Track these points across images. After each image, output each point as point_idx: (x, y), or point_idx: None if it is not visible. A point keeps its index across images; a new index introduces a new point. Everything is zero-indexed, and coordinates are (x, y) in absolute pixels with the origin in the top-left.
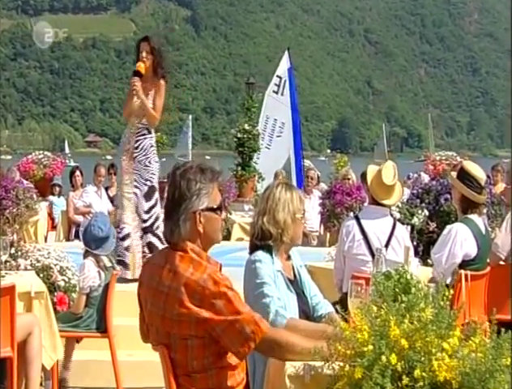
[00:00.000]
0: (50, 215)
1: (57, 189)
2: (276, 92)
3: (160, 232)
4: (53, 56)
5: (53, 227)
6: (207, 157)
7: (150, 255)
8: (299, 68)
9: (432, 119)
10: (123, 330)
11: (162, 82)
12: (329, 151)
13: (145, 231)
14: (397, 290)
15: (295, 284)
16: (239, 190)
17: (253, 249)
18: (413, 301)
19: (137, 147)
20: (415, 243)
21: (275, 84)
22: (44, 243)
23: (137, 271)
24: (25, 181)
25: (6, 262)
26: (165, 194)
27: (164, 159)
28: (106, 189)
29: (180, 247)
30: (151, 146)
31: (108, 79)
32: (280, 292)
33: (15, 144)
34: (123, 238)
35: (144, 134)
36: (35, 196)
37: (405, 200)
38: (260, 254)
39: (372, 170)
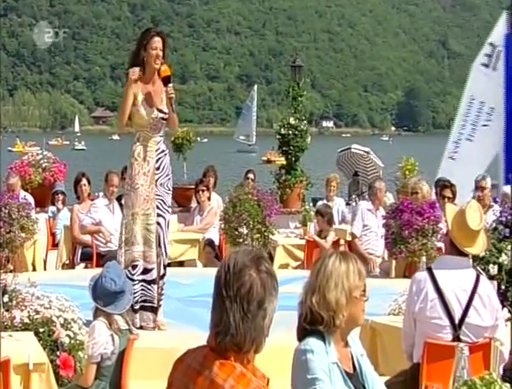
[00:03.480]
0: (51, 230)
1: (61, 197)
2: (487, 65)
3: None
4: (53, 11)
5: (54, 245)
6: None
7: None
8: (356, 25)
9: None
10: None
11: (171, 84)
12: (393, 128)
13: (165, 267)
14: None
15: (354, 378)
16: (282, 199)
17: (303, 334)
18: None
19: (158, 168)
20: (503, 287)
21: (486, 55)
22: (43, 268)
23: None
24: (22, 193)
25: None
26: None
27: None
28: (119, 198)
29: (223, 352)
30: (170, 164)
31: (120, 39)
32: None
33: (6, 121)
34: (153, 281)
35: (164, 151)
36: (33, 213)
37: (489, 228)
38: (312, 343)
39: (451, 210)
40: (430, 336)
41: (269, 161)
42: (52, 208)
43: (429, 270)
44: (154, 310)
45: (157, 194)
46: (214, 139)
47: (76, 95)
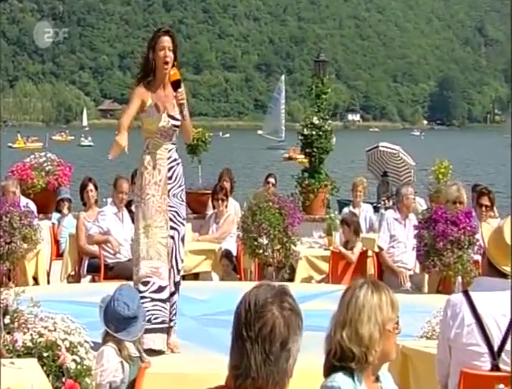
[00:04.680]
0: (55, 238)
1: (66, 204)
2: None
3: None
4: None
5: (59, 254)
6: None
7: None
8: (385, 10)
9: None
10: None
11: (183, 87)
12: (425, 122)
13: (176, 285)
14: None
15: None
16: (304, 205)
17: (330, 370)
18: None
19: (171, 177)
20: None
21: None
22: (47, 281)
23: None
24: (22, 199)
25: None
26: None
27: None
28: (129, 204)
29: None
30: (183, 173)
31: (129, 26)
32: None
33: (6, 113)
34: (167, 300)
35: (176, 159)
36: (35, 222)
37: None
38: (339, 379)
39: (488, 228)
40: (467, 365)
41: (290, 158)
42: (56, 215)
43: (466, 292)
44: (166, 331)
45: (170, 206)
46: (236, 135)
47: (82, 86)
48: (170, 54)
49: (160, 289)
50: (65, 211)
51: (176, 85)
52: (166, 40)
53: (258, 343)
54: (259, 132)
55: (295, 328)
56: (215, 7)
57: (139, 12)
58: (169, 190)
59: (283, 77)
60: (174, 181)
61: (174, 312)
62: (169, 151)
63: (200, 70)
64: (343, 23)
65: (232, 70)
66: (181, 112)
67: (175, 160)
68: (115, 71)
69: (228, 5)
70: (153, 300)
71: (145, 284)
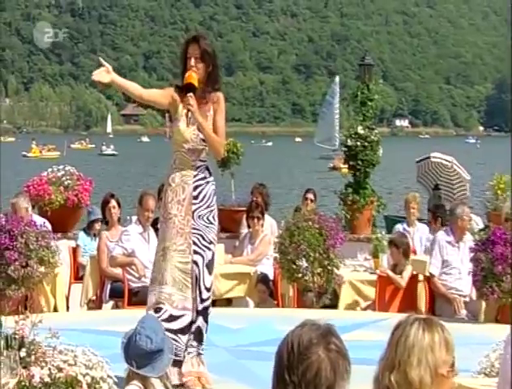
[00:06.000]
0: (75, 259)
1: (98, 226)
2: None
3: (209, 314)
4: None
5: (79, 277)
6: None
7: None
8: (437, 4)
9: None
10: None
11: (220, 95)
12: (481, 128)
13: (198, 313)
14: None
15: None
16: (348, 224)
17: None
18: None
19: (197, 197)
20: None
21: None
22: (66, 307)
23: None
24: (38, 219)
25: (12, 369)
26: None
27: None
28: (155, 223)
29: None
30: (215, 193)
31: (155, 23)
32: None
33: (20, 119)
34: (180, 331)
35: (205, 177)
36: (53, 243)
37: None
38: None
39: None
40: None
41: (335, 168)
42: (82, 234)
43: None
44: (178, 364)
45: (194, 228)
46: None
47: (103, 89)
48: (196, 63)
49: (171, 318)
50: (92, 235)
51: (186, 88)
52: (192, 48)
53: (301, 388)
54: (297, 139)
55: (342, 372)
56: (249, 2)
57: (166, 8)
58: (194, 211)
59: (337, 78)
60: (201, 201)
61: (195, 344)
62: (197, 168)
63: (233, 72)
64: (389, 20)
65: (268, 71)
66: (187, 116)
67: (204, 178)
68: (139, 72)
69: (263, 0)
70: (164, 329)
71: (157, 310)
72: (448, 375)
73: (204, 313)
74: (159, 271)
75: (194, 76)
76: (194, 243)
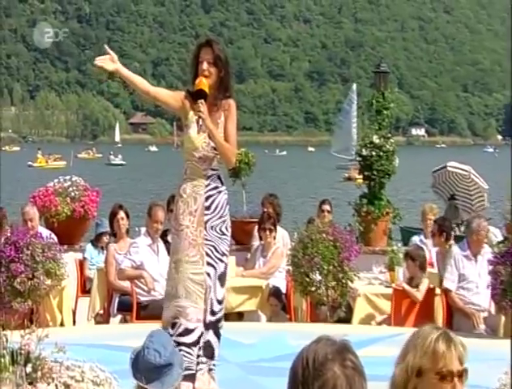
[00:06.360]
0: (82, 272)
1: (106, 239)
2: None
3: (221, 328)
4: None
5: (86, 291)
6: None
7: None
8: (454, 9)
9: None
10: None
11: (232, 102)
12: (500, 137)
13: (208, 327)
14: None
15: None
16: (363, 236)
17: None
18: None
19: (209, 207)
20: None
21: None
22: (72, 321)
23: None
24: (44, 231)
25: (18, 385)
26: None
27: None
28: (164, 235)
29: None
30: (227, 203)
31: (164, 29)
32: None
33: (26, 128)
34: (193, 344)
35: (217, 187)
36: (59, 256)
37: None
38: None
39: None
40: None
41: (349, 179)
42: (91, 249)
43: None
44: (192, 379)
45: (207, 239)
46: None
47: (111, 97)
48: (208, 68)
49: (186, 332)
50: (100, 247)
51: (197, 95)
52: (205, 52)
53: None
54: (310, 149)
55: None
56: (261, 8)
57: (175, 14)
58: (206, 222)
59: (354, 86)
60: (213, 211)
61: (205, 360)
62: (209, 177)
63: (244, 79)
64: (405, 25)
65: (280, 78)
66: (198, 123)
67: (216, 187)
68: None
69: (276, 5)
70: (179, 344)
71: (173, 326)
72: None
73: (215, 326)
74: (172, 285)
75: (204, 82)
76: (207, 254)
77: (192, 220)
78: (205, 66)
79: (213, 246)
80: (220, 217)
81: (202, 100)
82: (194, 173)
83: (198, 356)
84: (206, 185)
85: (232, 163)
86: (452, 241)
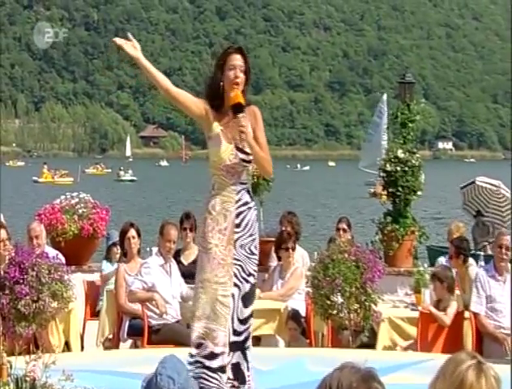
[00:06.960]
0: (90, 294)
1: (117, 249)
2: None
3: (249, 351)
4: (91, 2)
5: (94, 314)
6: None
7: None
8: (483, 16)
9: None
10: None
11: (256, 109)
12: None
13: (233, 348)
14: None
15: None
16: (387, 256)
17: None
18: None
19: (239, 225)
20: None
21: None
22: (80, 346)
23: None
24: (50, 250)
25: None
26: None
27: (306, 167)
28: (177, 254)
29: None
30: (257, 220)
31: (177, 37)
32: None
33: (30, 141)
34: (220, 370)
35: (247, 202)
36: (67, 277)
37: None
38: None
39: None
40: None
41: (375, 195)
42: (107, 265)
43: None
44: None
45: (235, 258)
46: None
47: (120, 109)
48: (241, 75)
49: (212, 356)
50: (114, 260)
51: (236, 109)
52: (237, 59)
53: None
54: (330, 163)
55: None
56: (279, 14)
57: (188, 21)
58: (236, 240)
59: (385, 96)
60: (244, 229)
61: (236, 384)
62: (238, 192)
63: (261, 89)
64: (431, 33)
65: (299, 89)
66: (240, 138)
67: (246, 203)
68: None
69: (294, 12)
70: (204, 367)
71: (198, 346)
72: None
73: (241, 347)
74: (199, 305)
75: (240, 94)
76: (234, 275)
77: (221, 238)
78: (238, 72)
79: (241, 266)
80: (250, 235)
81: (244, 114)
82: (223, 187)
83: (229, 378)
84: (237, 201)
85: (270, 173)
86: (472, 261)
